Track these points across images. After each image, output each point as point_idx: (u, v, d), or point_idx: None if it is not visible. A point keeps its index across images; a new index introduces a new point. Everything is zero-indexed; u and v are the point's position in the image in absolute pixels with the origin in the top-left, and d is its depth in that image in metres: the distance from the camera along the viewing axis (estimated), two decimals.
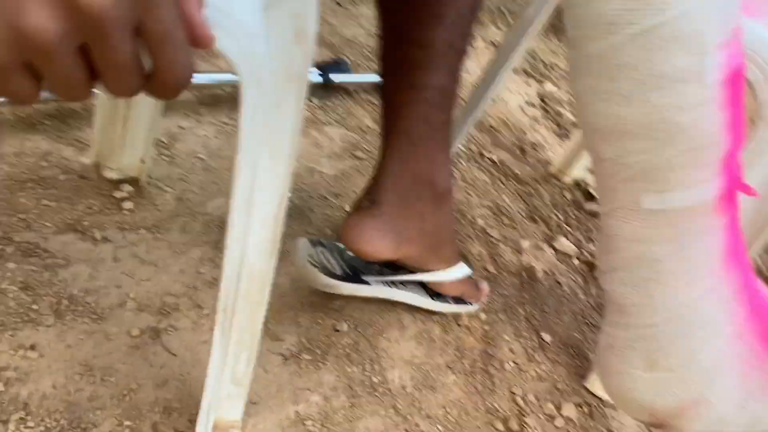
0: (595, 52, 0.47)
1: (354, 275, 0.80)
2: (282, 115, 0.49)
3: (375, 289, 0.82)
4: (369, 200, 0.74)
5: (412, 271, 0.84)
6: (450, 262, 0.85)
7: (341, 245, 0.82)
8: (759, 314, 0.53)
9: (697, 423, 0.57)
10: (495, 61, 1.08)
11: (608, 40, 0.46)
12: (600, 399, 0.89)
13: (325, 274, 0.78)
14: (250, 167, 0.50)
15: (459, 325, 0.92)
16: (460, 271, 0.87)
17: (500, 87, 1.09)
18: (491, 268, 1.05)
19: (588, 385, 0.90)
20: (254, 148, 0.48)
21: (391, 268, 0.84)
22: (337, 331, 0.83)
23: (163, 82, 0.32)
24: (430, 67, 0.69)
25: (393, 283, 0.84)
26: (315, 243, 0.81)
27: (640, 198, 0.50)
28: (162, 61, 0.32)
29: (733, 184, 0.50)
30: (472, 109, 1.12)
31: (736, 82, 0.47)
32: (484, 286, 0.95)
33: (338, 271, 0.79)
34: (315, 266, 0.78)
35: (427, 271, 0.84)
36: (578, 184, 1.33)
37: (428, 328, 0.89)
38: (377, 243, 0.75)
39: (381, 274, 0.83)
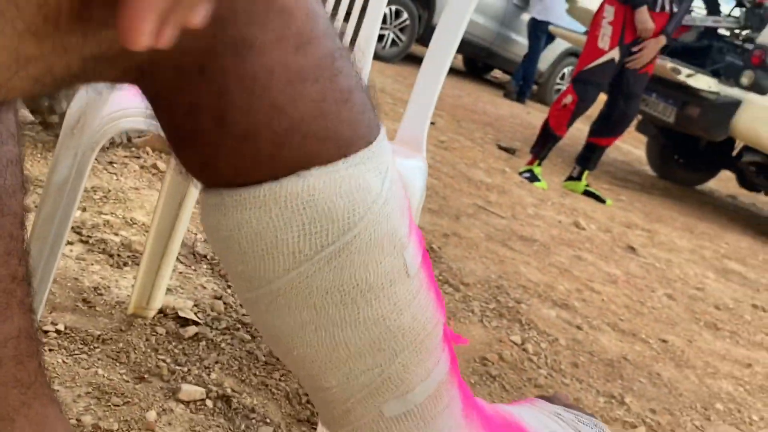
0: (284, 286, 0.38)
1: None
2: None
3: None
4: None
5: None
6: None
7: None
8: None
9: None
10: (38, 226, 0.84)
11: (298, 270, 0.37)
12: None
13: None
14: None
15: None
16: None
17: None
18: None
19: None
20: None
21: None
22: None
23: None
24: None
25: None
26: None
27: (381, 410, 0.43)
28: None
29: (451, 346, 0.47)
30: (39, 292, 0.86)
31: (426, 255, 0.44)
32: None
33: None
34: None
35: None
36: (164, 314, 1.20)
37: None
38: None
39: None
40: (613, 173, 5.09)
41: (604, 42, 3.45)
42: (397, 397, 0.43)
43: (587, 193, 3.78)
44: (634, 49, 3.44)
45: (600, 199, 3.74)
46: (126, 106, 0.72)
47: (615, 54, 3.44)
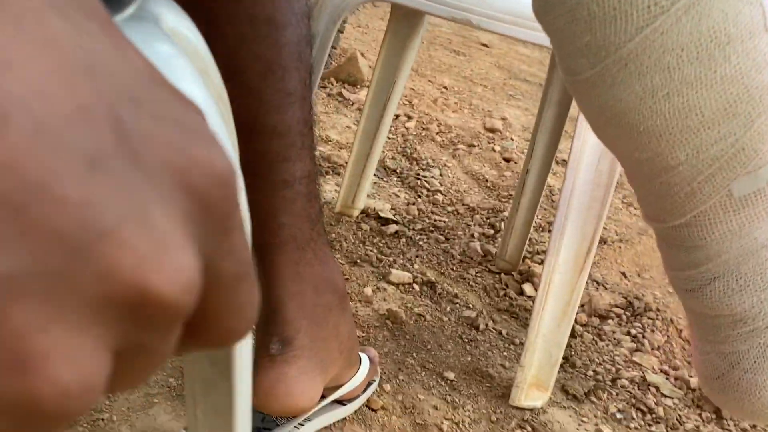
0: (636, 48, 0.38)
1: None
2: None
3: None
4: (278, 341, 0.58)
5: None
6: (357, 362, 0.73)
7: None
8: None
9: None
10: None
11: (653, 26, 0.37)
12: (531, 410, 0.86)
13: None
14: None
15: (374, 410, 0.80)
16: (364, 365, 0.75)
17: None
18: (357, 332, 0.95)
19: (516, 403, 0.86)
20: None
21: None
22: None
23: (226, 331, 0.17)
24: (294, 157, 0.56)
25: (301, 423, 0.69)
26: None
27: (730, 188, 0.42)
28: (232, 305, 0.16)
29: None
30: None
31: None
32: (374, 354, 0.84)
33: None
34: None
35: (341, 385, 0.70)
36: (367, 214, 1.29)
37: None
38: (309, 391, 0.59)
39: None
40: None
41: None
42: (749, 172, 0.41)
43: None
44: None
45: None
46: None
47: None
